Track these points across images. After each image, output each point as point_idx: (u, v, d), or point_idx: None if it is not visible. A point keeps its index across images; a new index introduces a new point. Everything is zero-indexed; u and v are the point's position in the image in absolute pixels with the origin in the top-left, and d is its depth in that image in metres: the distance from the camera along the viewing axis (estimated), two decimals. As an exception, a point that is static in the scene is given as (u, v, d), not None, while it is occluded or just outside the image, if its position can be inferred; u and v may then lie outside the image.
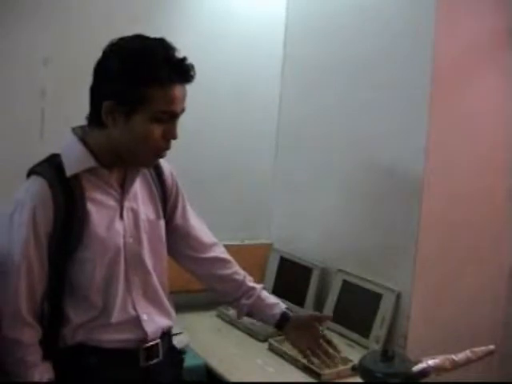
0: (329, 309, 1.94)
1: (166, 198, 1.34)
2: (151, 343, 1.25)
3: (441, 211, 1.73)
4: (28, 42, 1.78)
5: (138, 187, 1.27)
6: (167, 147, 1.19)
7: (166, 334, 1.32)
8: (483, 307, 1.86)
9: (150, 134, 1.14)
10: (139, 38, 1.17)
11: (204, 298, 1.94)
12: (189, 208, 1.41)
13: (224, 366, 1.64)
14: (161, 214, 1.31)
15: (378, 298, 1.80)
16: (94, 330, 1.20)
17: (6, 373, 1.17)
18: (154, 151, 1.18)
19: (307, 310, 1.99)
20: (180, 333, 1.63)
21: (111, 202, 1.22)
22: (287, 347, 1.72)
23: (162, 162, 1.33)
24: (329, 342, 1.40)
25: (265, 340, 1.81)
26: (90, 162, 1.18)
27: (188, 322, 1.84)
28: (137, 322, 1.24)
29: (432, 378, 1.31)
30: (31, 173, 1.19)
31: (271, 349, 1.76)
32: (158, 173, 1.33)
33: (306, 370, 1.62)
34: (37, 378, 1.14)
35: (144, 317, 1.24)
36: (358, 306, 1.88)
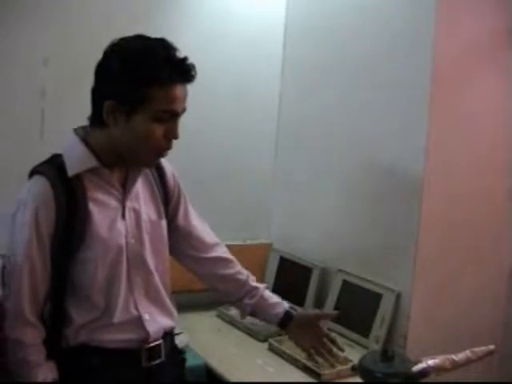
0: (329, 309, 1.94)
1: (167, 199, 1.34)
2: (153, 343, 1.25)
3: (441, 211, 1.73)
4: (28, 42, 1.78)
5: (140, 187, 1.27)
6: (168, 147, 1.19)
7: (169, 335, 1.32)
8: (483, 307, 1.86)
9: (151, 133, 1.14)
10: (140, 38, 1.17)
11: (204, 298, 1.95)
12: (191, 209, 1.42)
13: (224, 365, 1.64)
14: (162, 213, 1.31)
15: (377, 297, 1.80)
16: (96, 331, 1.20)
17: (10, 373, 1.17)
18: (155, 151, 1.18)
19: (307, 309, 1.99)
20: (180, 333, 1.62)
21: (113, 202, 1.22)
22: (287, 347, 1.72)
23: (164, 163, 1.33)
24: (333, 341, 1.40)
25: (265, 340, 1.81)
26: (92, 162, 1.18)
27: (188, 321, 1.84)
28: (139, 321, 1.24)
29: (432, 378, 1.30)
30: (33, 173, 1.19)
31: (271, 349, 1.76)
32: (160, 174, 1.33)
33: (306, 369, 1.62)
34: (40, 378, 1.14)
35: (146, 317, 1.24)
36: (357, 306, 1.88)
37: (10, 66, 1.77)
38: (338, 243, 2.03)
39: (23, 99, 1.80)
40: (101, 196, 1.20)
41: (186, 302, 1.70)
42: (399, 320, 1.75)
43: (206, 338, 1.85)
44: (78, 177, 1.17)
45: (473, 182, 1.79)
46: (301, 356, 1.65)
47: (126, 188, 1.24)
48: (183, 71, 1.14)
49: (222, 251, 1.44)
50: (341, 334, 1.85)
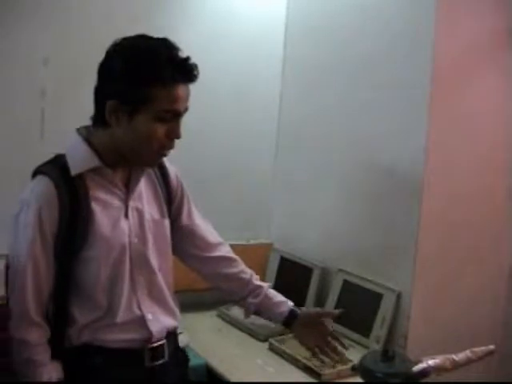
0: (329, 309, 1.94)
1: (170, 199, 1.34)
2: (157, 343, 1.25)
3: (441, 211, 1.73)
4: (28, 42, 1.78)
5: (143, 187, 1.28)
6: (171, 146, 1.19)
7: (172, 334, 1.32)
8: (483, 307, 1.86)
9: (153, 133, 1.15)
10: (143, 38, 1.17)
11: (204, 298, 1.95)
12: (194, 209, 1.42)
13: (224, 365, 1.64)
14: (165, 213, 1.32)
15: (378, 297, 1.80)
16: (99, 330, 1.20)
17: (14, 373, 1.17)
18: (157, 150, 1.18)
19: (308, 308, 1.99)
20: (180, 332, 1.62)
21: (116, 202, 1.22)
22: (287, 347, 1.72)
23: (167, 163, 1.34)
24: (337, 339, 1.40)
25: (265, 340, 1.82)
26: (95, 162, 1.18)
27: (188, 321, 1.84)
28: (142, 321, 1.24)
29: (432, 378, 1.31)
30: (36, 173, 1.19)
31: (271, 349, 1.76)
32: (163, 174, 1.33)
33: (306, 369, 1.62)
34: (45, 378, 1.14)
35: (149, 316, 1.24)
36: (358, 306, 1.88)
37: (9, 65, 1.77)
38: (339, 243, 2.03)
39: (23, 99, 1.80)
40: (104, 195, 1.20)
41: (186, 302, 1.70)
42: (399, 320, 1.75)
43: (206, 337, 1.85)
44: (80, 176, 1.17)
45: (473, 181, 1.79)
46: (301, 356, 1.66)
47: (128, 188, 1.24)
48: (185, 71, 1.15)
49: (225, 250, 1.45)
50: (341, 334, 1.84)
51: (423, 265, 1.72)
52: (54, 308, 1.19)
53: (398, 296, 1.76)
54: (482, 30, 1.75)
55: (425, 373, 1.29)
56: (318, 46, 2.12)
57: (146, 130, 1.14)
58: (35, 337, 1.16)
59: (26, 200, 1.15)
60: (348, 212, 1.99)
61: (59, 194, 1.14)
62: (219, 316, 2.04)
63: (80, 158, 1.18)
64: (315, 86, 2.13)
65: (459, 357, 1.32)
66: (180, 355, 1.37)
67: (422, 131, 1.68)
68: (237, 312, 2.00)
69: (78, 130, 1.23)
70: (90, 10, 1.87)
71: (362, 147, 1.93)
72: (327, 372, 1.58)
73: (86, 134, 1.22)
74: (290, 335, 1.80)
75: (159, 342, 1.26)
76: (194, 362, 1.62)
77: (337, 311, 1.47)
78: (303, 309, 1.49)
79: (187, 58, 1.15)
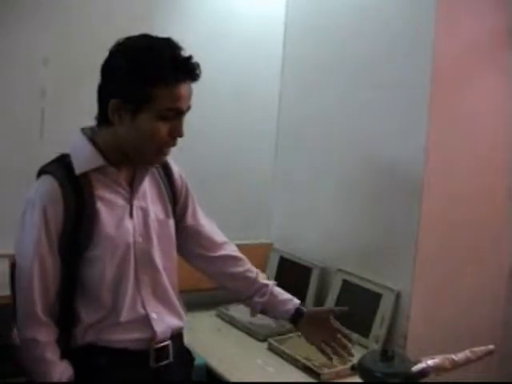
0: (329, 309, 1.94)
1: (175, 200, 1.35)
2: (162, 344, 1.25)
3: (441, 211, 1.73)
4: (28, 42, 1.78)
5: (147, 186, 1.28)
6: (173, 145, 1.20)
7: (177, 335, 1.32)
8: (483, 307, 1.86)
9: (156, 131, 1.15)
10: (146, 38, 1.18)
11: (204, 298, 1.95)
12: (199, 209, 1.42)
13: (224, 365, 1.64)
14: (170, 213, 1.32)
15: (377, 297, 1.80)
16: (103, 330, 1.20)
17: (26, 373, 1.17)
18: (159, 149, 1.19)
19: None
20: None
21: (120, 201, 1.22)
22: (287, 347, 1.72)
23: (172, 163, 1.35)
24: (346, 337, 1.40)
25: (264, 340, 1.82)
26: (99, 161, 1.19)
27: (187, 321, 1.84)
28: (146, 320, 1.24)
29: (431, 377, 1.31)
30: (41, 172, 1.19)
31: (271, 348, 1.77)
32: (168, 174, 1.34)
33: (305, 369, 1.62)
34: (56, 376, 1.14)
35: (153, 316, 1.24)
36: (357, 306, 1.87)
37: (9, 65, 1.77)
38: (338, 243, 2.03)
39: (23, 99, 1.80)
40: (108, 195, 1.21)
41: (186, 302, 1.70)
42: (399, 320, 1.75)
43: (205, 337, 1.85)
44: (85, 176, 1.18)
45: (473, 181, 1.79)
46: (300, 356, 1.66)
47: (133, 187, 1.24)
48: (188, 70, 1.15)
49: (231, 249, 1.45)
50: (341, 334, 1.85)
51: (423, 265, 1.71)
52: (59, 308, 1.19)
53: (398, 296, 1.76)
54: (482, 30, 1.75)
55: (424, 373, 1.29)
56: (317, 45, 2.12)
57: (149, 128, 1.15)
58: (44, 335, 1.16)
59: (31, 200, 1.16)
60: (348, 212, 1.99)
61: (64, 194, 1.15)
62: (218, 316, 2.04)
63: (84, 158, 1.19)
64: (315, 86, 2.13)
65: (459, 357, 1.32)
66: (185, 355, 1.37)
67: (422, 131, 1.68)
68: (236, 312, 2.01)
69: (82, 129, 1.23)
70: (90, 9, 1.87)
71: (361, 147, 1.93)
72: (326, 372, 1.58)
73: (90, 133, 1.22)
74: (290, 335, 1.81)
75: (164, 343, 1.26)
76: (193, 361, 1.63)
77: (343, 308, 1.46)
78: (309, 307, 1.49)
79: (190, 57, 1.16)
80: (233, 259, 1.44)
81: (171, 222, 1.32)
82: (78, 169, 1.17)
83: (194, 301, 1.97)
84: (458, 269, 1.79)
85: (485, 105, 1.78)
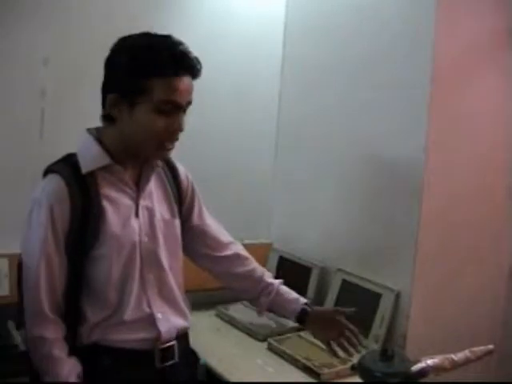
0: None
1: (181, 200, 1.35)
2: (167, 344, 1.25)
3: (441, 211, 1.73)
4: (28, 42, 1.78)
5: (153, 186, 1.29)
6: (172, 139, 1.19)
7: (182, 335, 1.32)
8: (483, 307, 1.86)
9: (152, 124, 1.15)
10: (147, 35, 1.19)
11: (203, 298, 1.95)
12: (205, 209, 1.43)
13: (223, 365, 1.64)
14: (176, 213, 1.32)
15: (377, 297, 1.80)
16: (109, 329, 1.20)
17: (36, 371, 1.17)
18: (160, 143, 1.19)
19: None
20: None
21: (126, 201, 1.23)
22: (287, 347, 1.72)
23: (178, 164, 1.36)
24: (356, 336, 1.39)
25: (264, 340, 1.81)
26: (106, 160, 1.19)
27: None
28: (151, 319, 1.24)
29: (431, 377, 1.31)
30: (48, 171, 1.20)
31: (270, 348, 1.77)
32: (174, 175, 1.34)
33: (305, 369, 1.62)
34: (65, 373, 1.14)
35: (159, 315, 1.25)
36: (357, 306, 1.85)
37: (10, 65, 1.77)
38: (338, 243, 2.03)
39: (23, 99, 1.80)
40: (114, 194, 1.21)
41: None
42: (399, 319, 1.75)
43: (205, 337, 1.85)
44: (91, 175, 1.18)
45: (473, 181, 1.79)
46: (300, 356, 1.66)
47: (139, 186, 1.25)
48: (185, 63, 1.15)
49: (237, 249, 1.45)
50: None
51: (423, 264, 1.71)
52: (65, 306, 1.19)
53: (397, 295, 1.76)
54: (482, 30, 1.75)
55: (424, 372, 1.29)
56: (317, 45, 2.12)
57: (146, 121, 1.15)
58: (52, 332, 1.16)
59: (38, 199, 1.16)
60: (348, 212, 1.99)
61: (70, 192, 1.15)
62: (218, 315, 2.04)
63: (91, 157, 1.20)
64: (315, 86, 2.13)
65: (458, 356, 1.32)
66: (190, 356, 1.37)
67: (422, 131, 1.68)
68: (236, 311, 2.01)
69: (88, 129, 1.24)
70: (90, 9, 1.87)
71: (361, 147, 1.93)
72: (326, 372, 1.58)
73: (96, 133, 1.23)
74: (289, 335, 1.82)
75: (169, 343, 1.26)
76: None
77: (350, 310, 1.45)
78: (315, 307, 1.49)
79: (188, 51, 1.16)
80: (239, 259, 1.44)
81: (177, 222, 1.32)
82: (85, 168, 1.18)
83: (194, 300, 1.96)
84: (457, 269, 1.79)
85: (485, 105, 1.78)
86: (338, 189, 2.03)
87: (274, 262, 2.23)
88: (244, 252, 1.47)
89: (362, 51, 1.91)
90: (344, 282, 1.94)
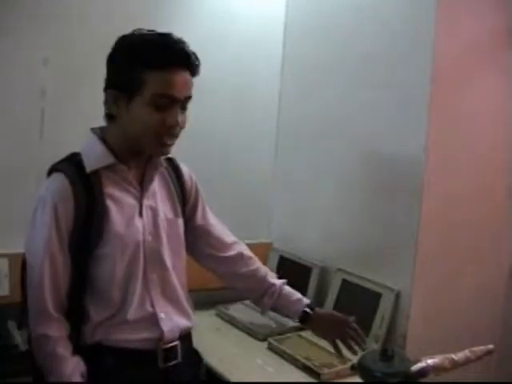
0: (328, 308, 1.94)
1: (185, 200, 1.35)
2: (170, 344, 1.25)
3: (441, 210, 1.73)
4: (28, 42, 1.78)
5: (157, 186, 1.29)
6: (170, 134, 1.19)
7: (186, 335, 1.32)
8: (483, 307, 1.86)
9: (148, 118, 1.15)
10: (147, 33, 1.19)
11: (203, 297, 1.94)
12: (208, 209, 1.43)
13: (224, 365, 1.64)
14: (179, 213, 1.33)
15: (377, 297, 1.80)
16: (111, 329, 1.20)
17: (40, 370, 1.17)
18: (159, 139, 1.18)
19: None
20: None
21: (130, 200, 1.23)
22: (287, 347, 1.72)
23: (182, 165, 1.36)
24: (360, 336, 1.40)
25: (264, 339, 1.81)
26: (109, 159, 1.20)
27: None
28: (154, 319, 1.24)
29: (431, 377, 1.31)
30: (52, 170, 1.20)
31: (271, 348, 1.77)
32: (178, 175, 1.35)
33: (305, 369, 1.62)
34: (68, 372, 1.14)
35: (162, 315, 1.25)
36: (357, 305, 1.88)
37: (9, 65, 1.77)
38: (338, 242, 2.03)
39: (23, 99, 1.80)
40: (118, 193, 1.21)
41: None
42: (399, 319, 1.75)
43: (205, 337, 1.84)
44: (95, 174, 1.19)
45: (473, 181, 1.79)
46: (300, 356, 1.66)
47: (143, 186, 1.25)
48: (181, 56, 1.15)
49: (241, 248, 1.46)
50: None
51: (423, 264, 1.72)
52: (68, 305, 1.19)
53: (397, 295, 1.76)
54: (482, 30, 1.75)
55: (424, 372, 1.29)
56: (317, 45, 2.12)
57: (142, 115, 1.15)
58: (55, 330, 1.16)
59: (42, 197, 1.16)
60: (348, 211, 1.99)
61: (75, 191, 1.15)
62: (218, 315, 2.04)
63: (95, 156, 1.20)
64: (315, 86, 2.13)
65: (458, 356, 1.32)
66: (193, 356, 1.37)
67: (422, 131, 1.68)
68: (236, 311, 2.01)
69: (92, 129, 1.24)
70: (89, 10, 1.87)
71: (361, 147, 1.93)
72: (326, 372, 1.58)
73: (100, 133, 1.23)
74: (289, 335, 1.82)
75: (173, 343, 1.26)
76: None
77: (351, 319, 1.46)
78: (317, 309, 1.49)
79: (184, 46, 1.16)
80: (243, 259, 1.45)
81: (180, 222, 1.32)
82: (89, 167, 1.18)
83: (195, 300, 1.97)
84: (457, 269, 1.79)
85: (485, 105, 1.78)
86: (337, 189, 2.03)
87: (274, 261, 2.23)
88: (248, 251, 1.47)
89: (361, 51, 1.91)
90: (344, 281, 1.94)
